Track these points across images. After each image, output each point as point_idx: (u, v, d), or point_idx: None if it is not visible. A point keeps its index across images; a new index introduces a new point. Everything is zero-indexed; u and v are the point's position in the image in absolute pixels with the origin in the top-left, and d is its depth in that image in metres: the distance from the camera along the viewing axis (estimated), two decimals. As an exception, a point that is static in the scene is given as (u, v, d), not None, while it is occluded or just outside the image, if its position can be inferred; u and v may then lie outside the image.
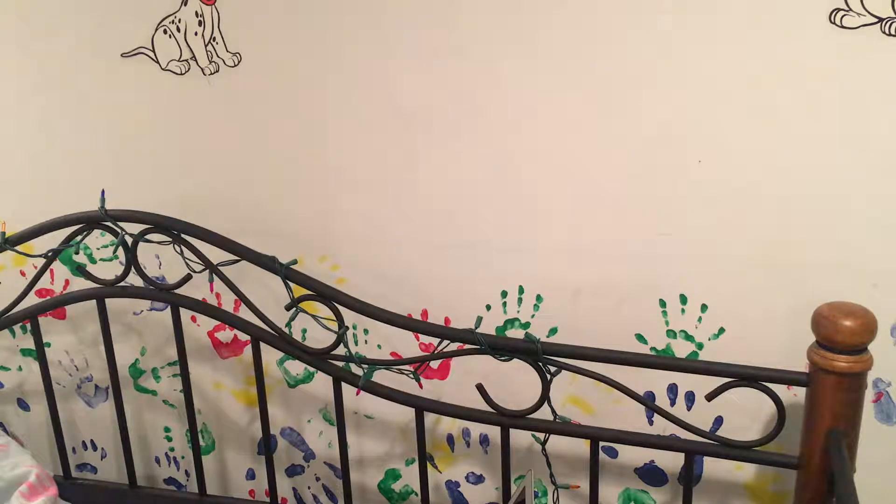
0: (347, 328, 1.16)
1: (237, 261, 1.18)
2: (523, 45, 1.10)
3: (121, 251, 1.27)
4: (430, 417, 1.29)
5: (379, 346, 1.31)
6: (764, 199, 1.05)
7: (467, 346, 1.11)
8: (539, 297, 1.20)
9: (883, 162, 1.00)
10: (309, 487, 1.46)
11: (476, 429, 1.31)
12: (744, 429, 1.14)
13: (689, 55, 1.03)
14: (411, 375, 1.15)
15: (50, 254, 1.26)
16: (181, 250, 1.19)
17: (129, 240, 1.22)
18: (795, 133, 1.02)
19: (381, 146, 1.21)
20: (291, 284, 1.15)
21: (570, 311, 1.19)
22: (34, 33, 1.33)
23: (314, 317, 1.14)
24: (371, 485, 1.41)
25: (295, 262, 1.16)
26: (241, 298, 1.19)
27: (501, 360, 1.08)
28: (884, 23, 0.95)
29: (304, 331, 1.33)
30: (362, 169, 1.23)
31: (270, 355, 1.33)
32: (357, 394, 1.32)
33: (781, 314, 1.08)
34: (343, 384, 1.21)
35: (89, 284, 1.30)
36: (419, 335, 1.26)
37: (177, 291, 1.25)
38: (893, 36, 0.95)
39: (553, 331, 1.20)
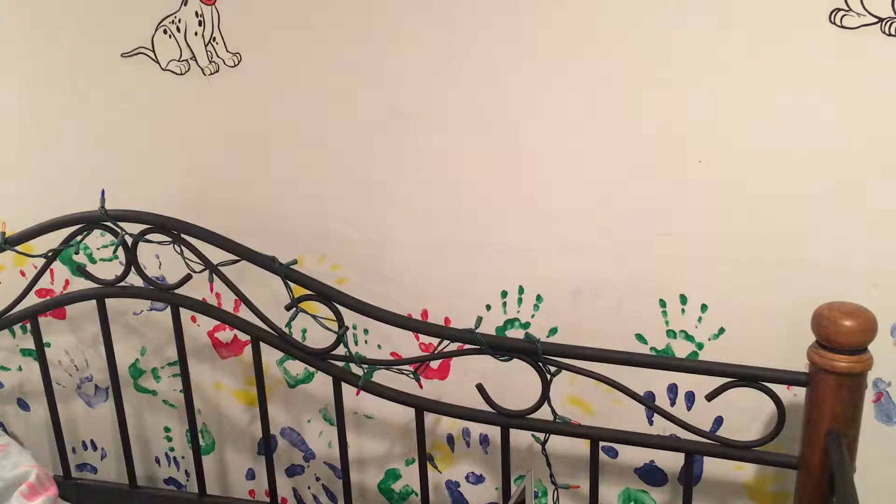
0: (347, 328, 1.16)
1: (237, 261, 1.18)
2: (523, 45, 1.10)
3: (121, 251, 1.27)
4: (430, 417, 1.29)
5: (379, 346, 1.31)
6: (764, 199, 1.05)
7: (467, 346, 1.11)
8: (539, 297, 1.20)
9: (883, 162, 1.00)
10: (309, 487, 1.46)
11: (476, 429, 1.31)
12: (744, 429, 1.14)
13: (689, 55, 1.03)
14: (411, 375, 1.15)
15: (50, 254, 1.26)
16: (181, 250, 1.19)
17: (129, 240, 1.22)
18: (795, 133, 1.02)
19: (381, 146, 1.21)
20: (291, 284, 1.15)
21: (570, 311, 1.19)
22: (34, 33, 1.33)
23: (314, 317, 1.14)
24: (371, 485, 1.41)
25: (295, 262, 1.16)
26: (241, 298, 1.19)
27: (501, 360, 1.08)
28: (884, 23, 0.95)
29: (304, 331, 1.33)
30: (362, 169, 1.23)
31: (270, 355, 1.33)
32: (357, 394, 1.32)
33: (781, 314, 1.08)
34: (343, 384, 1.21)
35: (89, 284, 1.30)
36: (419, 335, 1.26)
37: (177, 291, 1.25)
38: (893, 36, 0.95)
39: (553, 331, 1.20)
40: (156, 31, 1.26)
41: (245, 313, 1.22)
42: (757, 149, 1.04)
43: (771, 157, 1.04)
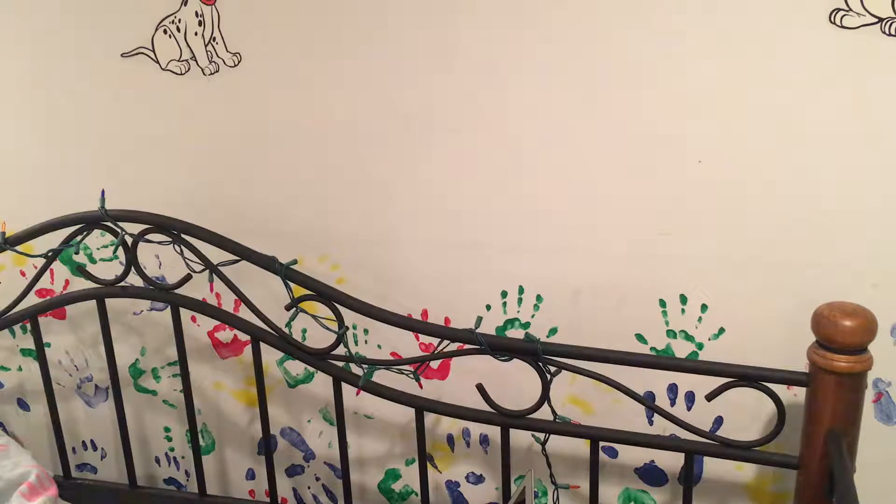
0: (347, 328, 1.16)
1: (237, 261, 1.18)
2: (523, 45, 1.10)
3: (121, 251, 1.27)
4: (430, 417, 1.29)
5: (379, 346, 1.31)
6: (764, 199, 1.05)
7: (467, 346, 1.11)
8: (539, 297, 1.20)
9: (883, 162, 1.00)
10: (309, 487, 1.46)
11: (476, 429, 1.31)
12: (744, 429, 1.14)
13: (689, 55, 1.03)
14: (411, 375, 1.15)
15: (50, 254, 1.26)
16: (181, 250, 1.19)
17: (129, 240, 1.22)
18: (795, 133, 1.02)
19: (381, 146, 1.21)
20: (291, 284, 1.15)
21: (570, 311, 1.19)
22: (34, 33, 1.33)
23: (314, 317, 1.14)
24: (371, 485, 1.41)
25: (295, 262, 1.16)
26: (241, 298, 1.19)
27: (501, 360, 1.08)
28: (884, 23, 0.95)
29: (304, 331, 1.33)
30: (362, 169, 1.23)
31: (270, 355, 1.33)
32: (357, 394, 1.32)
33: (781, 314, 1.08)
34: (343, 384, 1.21)
35: (89, 284, 1.30)
36: (419, 335, 1.26)
37: (177, 291, 1.25)
38: (893, 36, 0.95)
39: (553, 331, 1.20)
40: (156, 31, 1.26)
41: (245, 313, 1.22)
42: (757, 149, 1.04)
43: (771, 157, 1.04)
